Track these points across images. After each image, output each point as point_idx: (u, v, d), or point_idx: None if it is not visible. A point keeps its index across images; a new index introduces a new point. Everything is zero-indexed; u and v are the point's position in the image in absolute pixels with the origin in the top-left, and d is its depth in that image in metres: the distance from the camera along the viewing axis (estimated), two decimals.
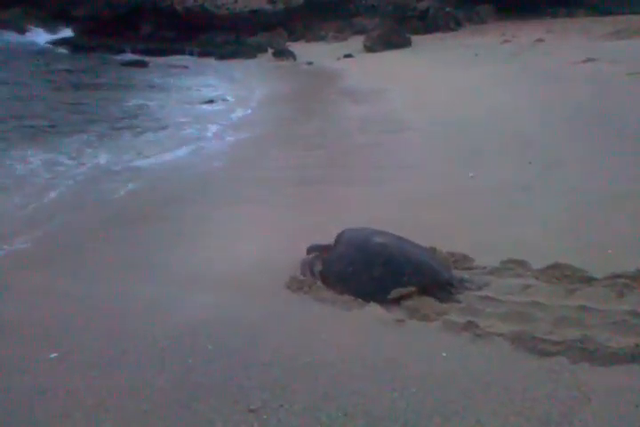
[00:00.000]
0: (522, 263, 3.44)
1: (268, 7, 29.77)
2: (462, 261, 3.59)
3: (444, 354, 2.58)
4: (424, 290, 3.14)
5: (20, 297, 3.44)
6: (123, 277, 3.75)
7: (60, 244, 4.50)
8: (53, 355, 2.79)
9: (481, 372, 2.43)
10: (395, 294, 3.12)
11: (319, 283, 3.40)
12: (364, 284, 3.23)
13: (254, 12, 29.47)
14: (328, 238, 3.74)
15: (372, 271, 3.24)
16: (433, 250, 3.65)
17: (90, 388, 2.51)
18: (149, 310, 3.24)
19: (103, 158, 7.51)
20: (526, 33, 21.15)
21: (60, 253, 4.25)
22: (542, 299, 2.98)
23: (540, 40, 17.88)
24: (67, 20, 29.67)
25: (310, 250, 3.76)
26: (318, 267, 3.55)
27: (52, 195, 5.91)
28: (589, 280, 3.14)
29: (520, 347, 2.57)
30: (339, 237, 3.66)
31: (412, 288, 3.12)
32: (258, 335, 2.88)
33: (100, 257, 4.15)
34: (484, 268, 3.46)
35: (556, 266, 3.31)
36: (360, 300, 3.15)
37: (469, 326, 2.75)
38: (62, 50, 26.35)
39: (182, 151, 7.97)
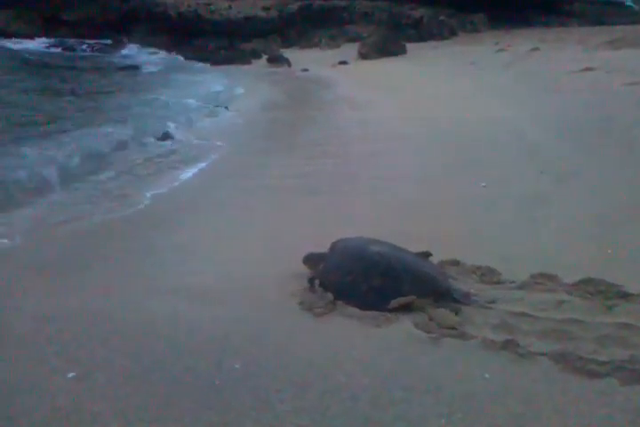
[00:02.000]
0: (552, 277, 3.34)
1: (261, 14, 29.77)
2: (489, 274, 3.48)
3: (487, 375, 2.47)
4: (425, 299, 3.08)
5: (31, 312, 3.27)
6: (135, 289, 3.60)
7: (67, 255, 4.34)
8: (71, 374, 2.64)
9: (529, 394, 2.31)
10: (395, 303, 3.06)
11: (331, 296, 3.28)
12: (363, 294, 3.16)
13: (248, 18, 29.44)
14: None
15: (371, 281, 3.17)
16: (426, 255, 3.54)
17: (115, 410, 2.37)
18: (168, 324, 3.09)
19: (110, 165, 7.32)
20: (520, 42, 21.28)
21: (69, 265, 4.09)
22: (580, 316, 2.88)
23: (536, 49, 17.95)
24: (59, 23, 29.41)
25: (306, 259, 3.65)
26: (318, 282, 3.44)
27: (48, 206, 5.73)
28: (625, 296, 3.04)
29: (566, 367, 2.46)
30: (333, 246, 3.58)
31: (413, 297, 3.06)
32: (286, 353, 2.75)
33: (110, 269, 4.00)
34: (513, 282, 3.36)
35: (588, 281, 3.21)
36: (388, 315, 3.04)
37: (509, 344, 2.64)
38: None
39: (182, 160, 7.80)
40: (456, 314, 3.02)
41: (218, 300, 3.44)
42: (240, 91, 15.58)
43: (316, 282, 3.40)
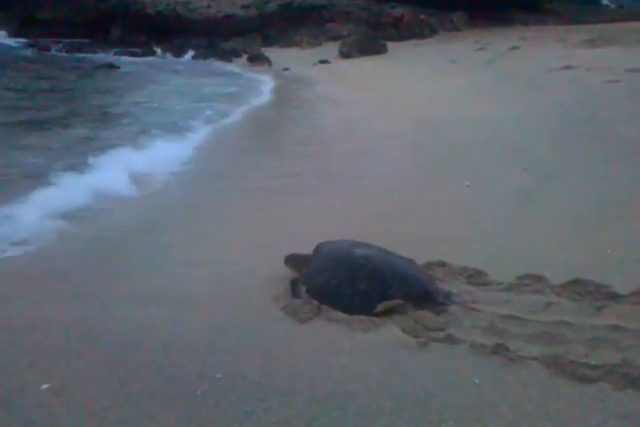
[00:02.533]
0: (539, 278, 3.30)
1: (241, 12, 29.55)
2: (476, 276, 3.43)
3: (477, 381, 2.40)
4: (411, 302, 3.02)
5: (5, 323, 3.13)
6: (115, 297, 3.47)
7: (41, 265, 4.15)
8: (45, 386, 2.53)
9: (521, 401, 2.25)
10: (381, 307, 3.01)
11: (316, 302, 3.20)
12: (348, 298, 3.10)
13: (228, 16, 29.22)
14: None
15: (357, 285, 3.11)
16: (412, 261, 3.46)
17: (91, 424, 2.26)
18: (147, 334, 2.97)
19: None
20: (500, 40, 21.37)
21: (43, 275, 3.91)
22: (569, 318, 2.83)
23: (516, 47, 18.03)
24: (34, 23, 28.90)
25: (288, 260, 3.58)
26: (304, 287, 3.35)
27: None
28: (615, 297, 3.00)
29: (558, 372, 2.40)
30: (317, 249, 3.50)
31: (399, 301, 3.01)
32: (270, 362, 2.65)
33: (90, 276, 3.86)
34: (501, 284, 3.30)
35: (577, 281, 3.17)
36: (375, 319, 2.97)
37: (499, 348, 2.58)
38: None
39: (164, 159, 7.62)
40: (438, 315, 2.97)
41: (199, 306, 3.33)
42: (224, 90, 15.39)
43: (303, 287, 3.32)
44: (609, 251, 3.69)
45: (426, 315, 2.96)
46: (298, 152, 7.74)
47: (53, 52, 26.41)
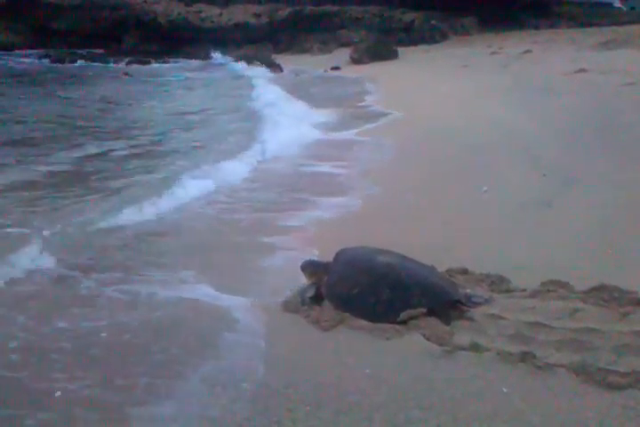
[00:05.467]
0: (563, 285, 3.26)
1: (252, 20, 29.75)
2: (499, 283, 3.40)
3: (505, 390, 2.38)
4: (434, 311, 3.00)
5: None
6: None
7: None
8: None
9: (551, 410, 2.23)
10: (405, 316, 2.98)
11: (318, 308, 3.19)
12: (371, 306, 3.07)
13: (239, 24, 29.42)
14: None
15: (380, 293, 3.07)
16: (433, 268, 3.43)
17: None
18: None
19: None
20: (512, 44, 21.30)
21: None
22: (595, 324, 2.79)
23: (528, 51, 17.97)
24: (48, 33, 29.23)
25: (305, 267, 3.54)
26: (310, 293, 3.32)
27: None
28: None
29: (587, 380, 2.38)
30: (338, 256, 3.46)
31: (423, 310, 2.98)
32: (295, 371, 2.65)
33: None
34: (524, 290, 3.27)
35: (602, 287, 3.13)
36: (398, 328, 2.96)
37: (526, 356, 2.55)
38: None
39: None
40: (448, 325, 2.94)
41: (221, 315, 3.34)
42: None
43: (318, 294, 3.29)
44: (609, 251, 3.69)
45: (433, 323, 2.94)
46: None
47: (76, 64, 25.95)
